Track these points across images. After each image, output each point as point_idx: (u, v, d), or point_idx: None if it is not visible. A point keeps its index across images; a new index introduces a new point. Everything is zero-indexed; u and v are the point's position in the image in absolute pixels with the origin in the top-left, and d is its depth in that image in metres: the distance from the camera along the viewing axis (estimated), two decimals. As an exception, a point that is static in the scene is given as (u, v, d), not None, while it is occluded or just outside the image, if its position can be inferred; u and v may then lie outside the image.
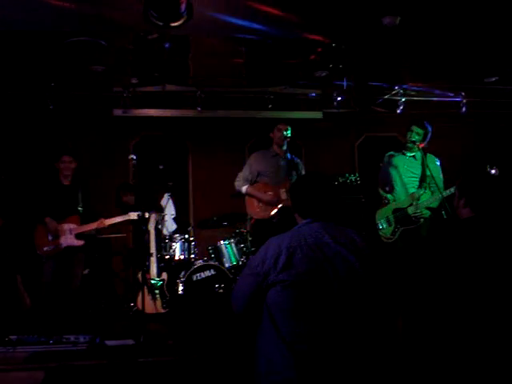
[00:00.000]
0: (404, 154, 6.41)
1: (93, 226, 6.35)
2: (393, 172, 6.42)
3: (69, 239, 6.24)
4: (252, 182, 6.61)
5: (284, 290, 2.66)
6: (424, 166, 6.17)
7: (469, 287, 2.89)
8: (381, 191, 6.55)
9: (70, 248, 6.25)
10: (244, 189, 6.59)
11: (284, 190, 6.35)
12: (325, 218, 2.91)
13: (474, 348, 2.82)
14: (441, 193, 5.70)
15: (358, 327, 2.68)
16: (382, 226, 6.31)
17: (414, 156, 6.35)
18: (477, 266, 2.89)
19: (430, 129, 6.23)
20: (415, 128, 6.18)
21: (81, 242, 6.29)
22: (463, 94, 8.76)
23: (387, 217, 6.29)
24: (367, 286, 2.74)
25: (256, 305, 2.78)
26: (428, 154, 6.25)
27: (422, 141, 6.20)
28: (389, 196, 6.38)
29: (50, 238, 6.24)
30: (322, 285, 2.67)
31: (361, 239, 2.85)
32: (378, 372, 2.66)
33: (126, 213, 6.49)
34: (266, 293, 2.73)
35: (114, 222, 6.41)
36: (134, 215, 6.24)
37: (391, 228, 6.22)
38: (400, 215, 6.18)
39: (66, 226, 6.26)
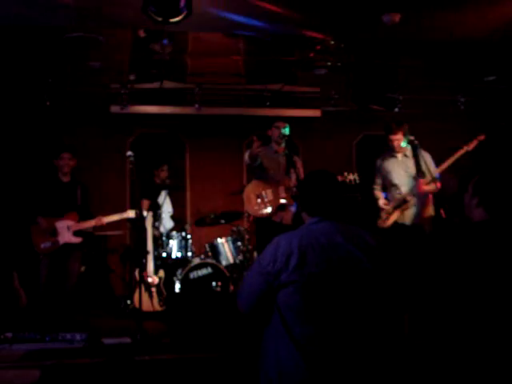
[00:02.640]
0: (395, 157, 6.41)
1: (91, 223, 6.31)
2: (387, 176, 6.44)
3: (66, 236, 6.20)
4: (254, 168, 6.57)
5: (296, 291, 2.59)
6: (417, 159, 6.22)
7: (480, 295, 2.79)
8: (376, 194, 6.56)
9: (68, 245, 6.22)
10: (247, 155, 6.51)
11: (283, 188, 6.33)
12: (334, 216, 2.85)
13: (479, 351, 2.78)
14: (435, 184, 5.80)
15: (370, 329, 2.65)
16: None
17: (405, 155, 6.36)
18: (490, 274, 2.78)
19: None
20: (395, 136, 6.24)
21: (79, 239, 6.24)
22: (462, 93, 8.78)
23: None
24: (379, 286, 2.70)
25: (264, 304, 2.72)
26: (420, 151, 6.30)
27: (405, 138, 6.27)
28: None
29: (48, 235, 6.20)
30: (336, 285, 2.63)
31: (372, 239, 2.80)
32: (388, 372, 2.64)
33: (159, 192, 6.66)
34: (276, 293, 2.66)
35: (112, 219, 6.36)
36: (132, 213, 6.21)
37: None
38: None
39: (64, 223, 6.22)
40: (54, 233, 6.18)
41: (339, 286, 2.62)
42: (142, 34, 6.70)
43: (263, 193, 6.41)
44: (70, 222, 6.22)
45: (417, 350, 3.01)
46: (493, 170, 2.99)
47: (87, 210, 6.41)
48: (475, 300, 2.76)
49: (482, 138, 6.18)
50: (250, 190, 6.52)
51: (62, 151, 6.33)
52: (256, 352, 2.79)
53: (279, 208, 6.34)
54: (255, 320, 2.84)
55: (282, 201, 6.33)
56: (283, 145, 6.55)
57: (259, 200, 6.41)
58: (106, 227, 6.59)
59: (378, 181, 6.57)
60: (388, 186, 6.46)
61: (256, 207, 6.43)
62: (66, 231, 6.20)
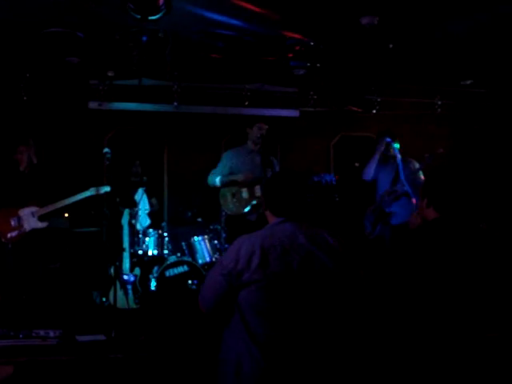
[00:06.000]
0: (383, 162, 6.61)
1: (54, 206, 6.25)
2: (378, 178, 6.70)
3: (32, 222, 6.18)
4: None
5: (258, 291, 2.62)
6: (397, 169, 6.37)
7: (434, 293, 2.88)
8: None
9: (33, 237, 6.18)
10: (218, 180, 6.53)
11: (259, 187, 6.34)
12: (299, 217, 2.87)
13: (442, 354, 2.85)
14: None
15: (331, 330, 2.68)
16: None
17: (389, 161, 6.50)
18: (442, 271, 2.88)
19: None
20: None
21: (44, 224, 6.22)
22: (438, 96, 8.87)
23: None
24: (341, 286, 2.74)
25: (226, 304, 2.73)
26: (405, 158, 6.42)
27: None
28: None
29: (12, 223, 6.17)
30: (298, 286, 2.65)
31: (333, 239, 2.82)
32: (348, 374, 2.68)
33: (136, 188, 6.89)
34: (237, 292, 2.68)
35: (75, 199, 6.30)
36: (92, 190, 6.22)
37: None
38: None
39: (28, 210, 6.19)
40: (19, 221, 6.15)
41: (301, 286, 2.65)
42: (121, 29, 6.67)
43: (239, 191, 6.43)
44: (33, 208, 6.20)
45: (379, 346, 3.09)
46: (439, 171, 3.16)
47: (51, 199, 6.37)
48: (432, 296, 2.87)
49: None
50: (226, 188, 6.54)
51: (18, 145, 6.36)
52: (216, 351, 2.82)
53: (254, 207, 6.35)
54: (216, 319, 2.85)
55: (254, 202, 6.36)
56: (260, 145, 6.57)
57: (235, 199, 6.43)
58: (81, 224, 6.55)
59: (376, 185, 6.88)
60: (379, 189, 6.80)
61: (231, 205, 6.45)
62: (31, 217, 6.18)
